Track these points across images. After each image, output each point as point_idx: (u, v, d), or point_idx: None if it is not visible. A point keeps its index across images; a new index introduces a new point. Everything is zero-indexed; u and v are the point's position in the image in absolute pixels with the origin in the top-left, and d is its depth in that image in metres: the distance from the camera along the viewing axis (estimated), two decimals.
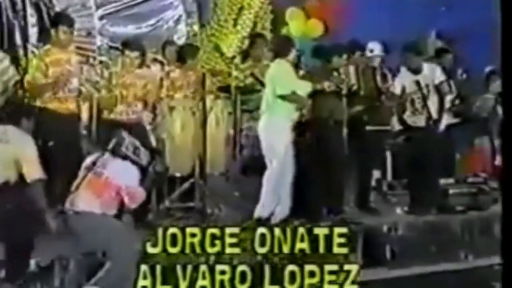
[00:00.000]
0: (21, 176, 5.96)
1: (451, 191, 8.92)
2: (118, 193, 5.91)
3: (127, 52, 7.92)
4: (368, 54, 8.74)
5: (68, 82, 7.30)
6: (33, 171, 5.88)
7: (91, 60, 9.52)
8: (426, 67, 8.71)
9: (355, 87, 8.25)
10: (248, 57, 8.98)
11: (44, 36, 9.84)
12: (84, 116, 7.92)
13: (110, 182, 5.90)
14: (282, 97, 7.58)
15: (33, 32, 10.13)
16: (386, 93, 8.60)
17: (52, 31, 7.38)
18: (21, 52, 9.62)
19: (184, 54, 8.71)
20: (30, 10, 10.15)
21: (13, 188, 5.94)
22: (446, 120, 9.06)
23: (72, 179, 6.04)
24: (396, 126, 9.07)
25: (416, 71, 8.62)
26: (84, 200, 5.92)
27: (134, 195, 5.97)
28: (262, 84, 8.17)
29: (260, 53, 8.83)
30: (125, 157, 6.00)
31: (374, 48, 8.80)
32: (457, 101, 9.75)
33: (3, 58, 7.35)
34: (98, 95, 7.77)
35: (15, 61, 8.65)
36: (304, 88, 7.69)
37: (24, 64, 8.86)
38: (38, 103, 7.26)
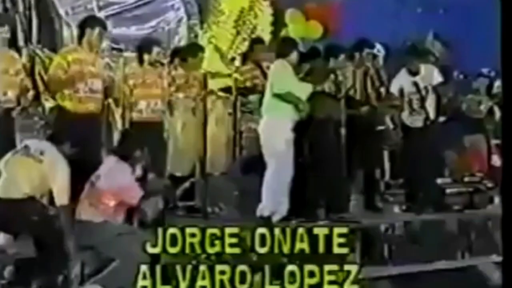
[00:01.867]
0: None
1: (447, 190, 8.95)
2: (118, 203, 6.01)
3: (153, 52, 8.01)
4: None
5: (88, 82, 7.22)
6: (61, 197, 5.93)
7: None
8: (423, 68, 8.76)
9: (352, 89, 8.31)
10: (248, 59, 9.06)
11: (47, 38, 9.95)
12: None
13: (105, 191, 6.00)
14: (278, 96, 7.63)
15: (35, 33, 10.16)
16: (384, 95, 8.68)
17: (87, 32, 7.31)
18: (24, 53, 9.63)
19: (186, 53, 8.80)
20: (33, 12, 10.19)
21: (41, 203, 6.03)
22: (443, 120, 9.11)
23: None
24: (391, 125, 9.16)
25: (414, 72, 8.68)
26: (85, 210, 6.05)
27: (130, 192, 6.06)
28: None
29: (259, 58, 8.90)
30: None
31: (374, 50, 8.88)
32: (453, 102, 9.85)
33: (18, 60, 7.34)
34: (116, 96, 7.84)
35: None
36: (304, 90, 7.72)
37: (29, 66, 8.89)
38: (57, 101, 7.22)
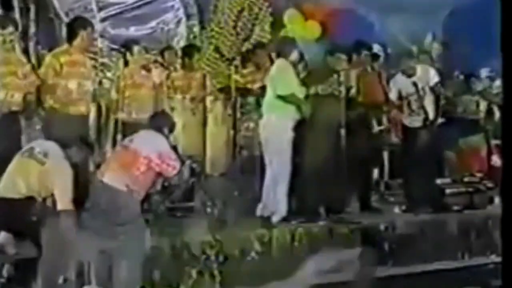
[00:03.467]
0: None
1: (447, 191, 8.95)
2: (149, 168, 5.83)
3: (134, 52, 7.99)
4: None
5: (81, 83, 7.20)
6: (63, 202, 5.82)
7: (93, 62, 9.57)
8: (419, 69, 8.75)
9: (353, 90, 8.31)
10: (249, 61, 9.07)
11: (46, 39, 9.92)
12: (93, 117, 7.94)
13: (139, 153, 5.81)
14: (282, 98, 7.62)
15: (34, 34, 10.15)
16: (385, 96, 8.69)
17: (77, 34, 7.27)
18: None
19: (183, 55, 8.82)
20: (32, 12, 10.18)
21: (40, 203, 5.95)
22: (441, 120, 9.12)
23: (80, 181, 6.09)
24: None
25: (410, 74, 8.68)
26: (112, 171, 5.85)
27: (170, 160, 5.84)
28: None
29: (261, 61, 8.92)
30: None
31: (375, 50, 8.88)
32: (452, 102, 9.87)
33: (26, 63, 7.30)
34: (108, 97, 7.81)
35: None
36: (302, 90, 7.72)
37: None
38: (50, 102, 7.17)
